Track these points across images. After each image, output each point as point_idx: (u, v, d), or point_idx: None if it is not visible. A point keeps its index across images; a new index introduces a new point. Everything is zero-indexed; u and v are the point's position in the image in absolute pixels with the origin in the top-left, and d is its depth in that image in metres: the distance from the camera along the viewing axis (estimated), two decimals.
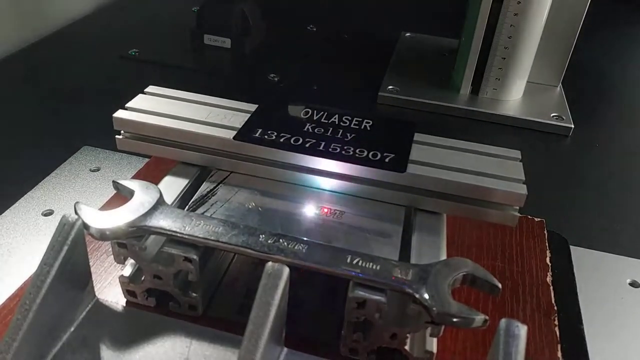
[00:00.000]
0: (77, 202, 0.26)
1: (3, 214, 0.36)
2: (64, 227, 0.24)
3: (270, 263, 0.23)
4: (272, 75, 0.58)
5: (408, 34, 0.68)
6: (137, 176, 0.38)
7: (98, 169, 0.41)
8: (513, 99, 0.54)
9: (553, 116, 0.52)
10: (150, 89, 0.34)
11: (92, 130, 0.46)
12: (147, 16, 0.72)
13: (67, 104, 0.51)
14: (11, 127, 0.47)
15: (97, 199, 0.38)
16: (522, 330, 0.21)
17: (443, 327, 0.24)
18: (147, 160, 0.41)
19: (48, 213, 0.36)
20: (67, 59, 0.60)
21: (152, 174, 0.37)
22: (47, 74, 0.57)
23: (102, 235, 0.25)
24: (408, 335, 0.24)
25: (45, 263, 0.23)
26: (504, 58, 0.51)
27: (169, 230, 0.25)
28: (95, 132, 0.45)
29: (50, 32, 0.65)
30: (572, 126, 0.51)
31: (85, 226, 0.25)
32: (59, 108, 0.51)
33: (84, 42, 0.64)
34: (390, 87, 0.55)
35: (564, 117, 0.52)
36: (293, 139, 0.30)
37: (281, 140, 0.30)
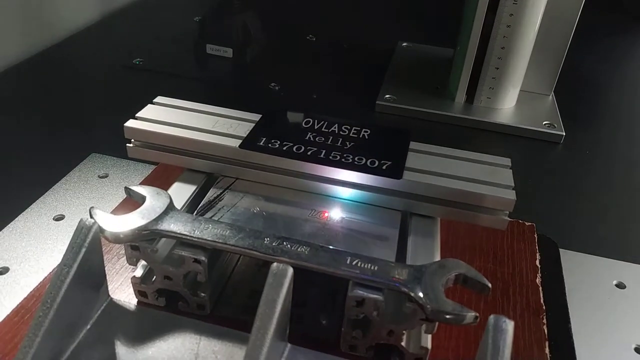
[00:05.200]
0: (92, 207, 0.27)
1: (16, 219, 0.37)
2: (82, 230, 0.25)
3: (275, 263, 0.24)
4: (272, 84, 0.60)
5: (405, 44, 0.70)
6: (145, 182, 0.39)
7: (106, 176, 0.43)
8: (506, 107, 0.56)
9: (545, 124, 0.54)
10: (159, 99, 0.35)
11: (99, 138, 0.48)
12: (150, 26, 0.74)
13: (73, 112, 0.53)
14: (21, 135, 0.49)
15: (106, 205, 0.39)
16: (510, 325, 0.22)
17: (437, 324, 0.25)
18: (153, 167, 0.42)
19: (59, 218, 0.38)
20: (72, 68, 0.62)
21: (159, 181, 0.38)
22: (53, 82, 0.58)
23: (116, 239, 0.27)
24: (404, 332, 0.26)
25: (65, 264, 0.24)
26: (498, 68, 0.53)
27: (180, 234, 0.27)
28: (102, 140, 0.47)
29: (55, 41, 0.66)
30: (564, 134, 0.53)
31: (100, 229, 0.26)
32: (66, 116, 0.52)
33: (88, 51, 0.66)
34: (387, 95, 0.57)
35: (556, 125, 0.54)
36: (295, 147, 0.32)
37: (284, 148, 0.31)
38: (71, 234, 0.36)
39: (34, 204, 0.39)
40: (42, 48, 0.64)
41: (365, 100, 0.57)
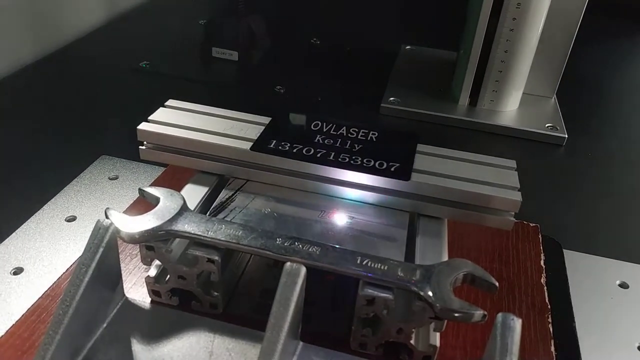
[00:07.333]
0: (107, 208, 0.28)
1: (29, 220, 0.38)
2: (99, 230, 0.26)
3: (289, 263, 0.25)
4: (278, 87, 0.60)
5: (408, 47, 0.70)
6: (156, 184, 0.40)
7: (116, 177, 0.43)
8: (509, 109, 0.57)
9: (548, 126, 0.55)
10: (170, 102, 0.36)
11: (107, 140, 0.48)
12: (156, 29, 0.74)
13: (82, 115, 0.53)
14: (30, 137, 0.49)
15: (117, 206, 0.40)
16: (517, 322, 0.23)
17: (445, 322, 0.26)
18: (162, 169, 0.43)
19: (71, 219, 0.38)
20: (79, 71, 0.62)
21: (168, 182, 0.39)
22: (60, 85, 0.59)
23: (132, 239, 0.27)
24: (413, 330, 0.27)
25: (83, 264, 0.25)
26: (501, 71, 0.54)
27: (194, 234, 0.27)
28: (111, 142, 0.48)
29: (63, 44, 0.67)
30: (566, 136, 0.54)
31: (116, 230, 0.27)
32: (74, 119, 0.53)
33: (95, 54, 0.67)
34: (391, 98, 0.57)
35: (558, 127, 0.55)
36: (305, 149, 0.32)
37: (294, 150, 0.32)
38: (83, 235, 0.36)
39: (46, 205, 0.40)
40: (49, 51, 0.65)
41: (370, 102, 0.57)
